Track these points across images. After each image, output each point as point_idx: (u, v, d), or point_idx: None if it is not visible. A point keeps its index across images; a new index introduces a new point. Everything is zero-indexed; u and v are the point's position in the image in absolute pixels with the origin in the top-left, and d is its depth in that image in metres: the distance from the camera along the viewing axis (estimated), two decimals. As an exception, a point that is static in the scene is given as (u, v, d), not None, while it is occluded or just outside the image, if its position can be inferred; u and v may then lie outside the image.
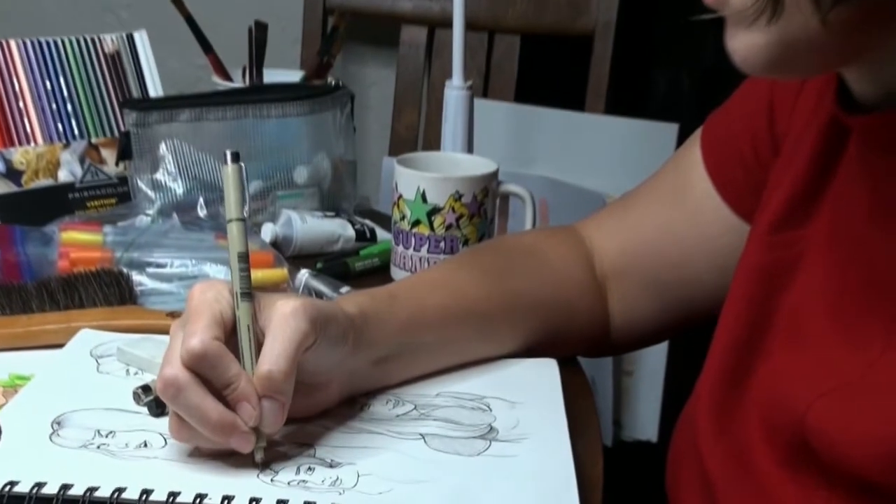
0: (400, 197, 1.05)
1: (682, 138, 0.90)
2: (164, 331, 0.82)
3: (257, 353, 0.65)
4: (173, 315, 0.87)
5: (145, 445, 0.67)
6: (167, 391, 0.62)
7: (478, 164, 1.08)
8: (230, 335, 0.65)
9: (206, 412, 0.62)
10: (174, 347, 0.64)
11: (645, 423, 1.86)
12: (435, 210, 1.03)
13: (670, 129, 1.66)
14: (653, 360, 1.77)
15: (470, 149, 1.20)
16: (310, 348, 0.66)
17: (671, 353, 1.74)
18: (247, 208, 0.68)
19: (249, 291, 0.66)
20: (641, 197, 0.91)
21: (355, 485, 0.64)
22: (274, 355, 0.64)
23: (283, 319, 0.64)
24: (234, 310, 0.65)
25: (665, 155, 0.91)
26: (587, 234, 0.92)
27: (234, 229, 0.67)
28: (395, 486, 0.64)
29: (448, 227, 1.04)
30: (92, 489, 0.60)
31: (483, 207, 1.05)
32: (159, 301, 0.95)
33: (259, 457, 0.65)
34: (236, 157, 0.68)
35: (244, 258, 0.67)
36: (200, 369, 0.63)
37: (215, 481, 0.63)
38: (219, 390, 0.64)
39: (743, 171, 0.81)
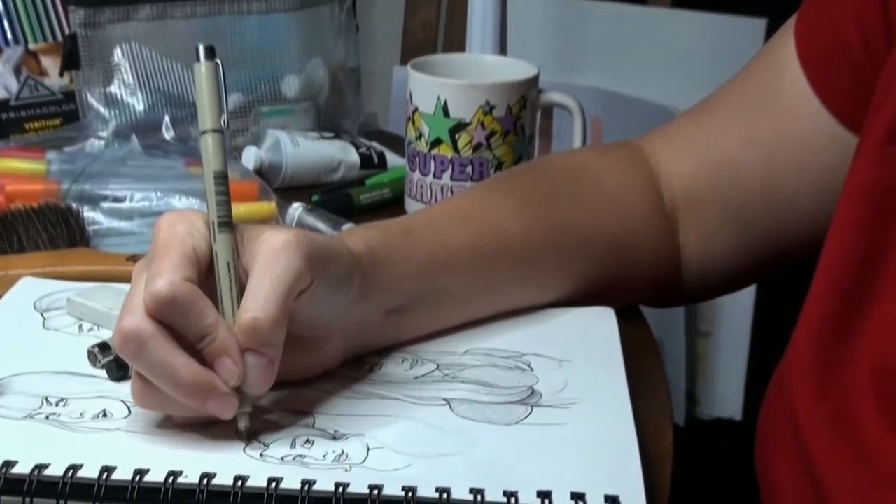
0: (416, 111, 1.05)
1: (770, 37, 0.90)
2: (124, 278, 0.83)
3: (240, 298, 0.65)
4: (134, 259, 0.88)
5: (104, 415, 0.68)
6: (127, 346, 0.63)
7: (513, 69, 1.08)
8: (206, 276, 0.66)
9: (176, 371, 0.63)
10: (136, 292, 0.64)
11: (726, 397, 1.87)
12: (460, 126, 1.04)
13: (756, 26, 1.66)
14: (736, 316, 1.78)
15: (503, 50, 1.20)
16: (304, 292, 0.66)
17: (759, 305, 1.74)
18: (225, 117, 0.68)
19: (229, 220, 0.66)
20: (720, 105, 0.90)
21: (364, 460, 0.64)
22: (259, 299, 0.64)
23: (272, 255, 0.65)
24: (210, 245, 0.66)
25: (749, 57, 0.91)
26: (652, 151, 0.93)
27: (209, 143, 0.67)
28: (414, 461, 0.64)
29: (476, 148, 1.04)
30: (40, 467, 0.61)
31: (520, 122, 1.05)
32: (117, 243, 0.96)
33: (243, 424, 0.65)
34: (211, 53, 0.68)
35: (222, 178, 0.67)
36: (168, 318, 0.63)
37: (191, 457, 0.64)
38: (192, 344, 0.64)
39: (849, 68, 0.81)
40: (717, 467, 1.62)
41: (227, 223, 0.66)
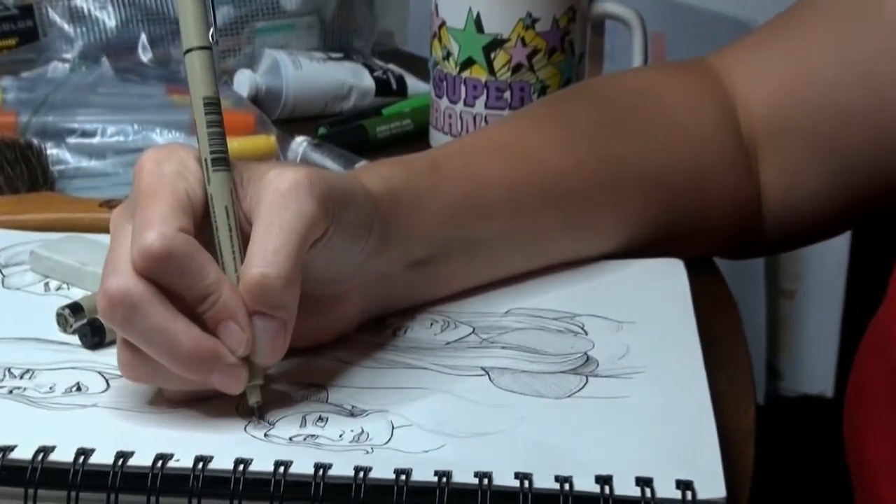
0: (442, 26, 1.05)
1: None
2: (97, 227, 0.84)
3: (243, 250, 0.65)
4: (109, 205, 0.89)
5: (78, 389, 0.69)
6: (116, 312, 0.63)
7: (559, -27, 1.08)
8: (201, 225, 0.66)
9: (174, 339, 0.63)
10: (120, 247, 0.64)
11: (815, 370, 1.87)
12: (496, 43, 1.04)
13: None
14: (826, 271, 1.78)
15: (546, -49, 1.20)
16: (318, 242, 0.66)
17: (854, 257, 1.74)
18: (213, 31, 0.68)
19: (225, 156, 0.66)
20: (807, 15, 0.90)
21: (388, 440, 0.65)
22: (268, 252, 0.64)
23: (279, 199, 0.65)
24: (205, 187, 0.66)
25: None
26: (726, 71, 0.92)
27: (195, 63, 0.68)
28: (448, 441, 0.65)
29: (516, 69, 1.04)
30: (5, 449, 0.61)
31: (568, 38, 1.05)
32: (87, 185, 0.97)
33: (254, 399, 0.66)
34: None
35: (214, 105, 0.67)
36: (162, 277, 0.63)
37: (183, 437, 0.64)
38: (190, 307, 0.64)
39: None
40: (805, 453, 1.62)
41: (224, 159, 0.66)
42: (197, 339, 0.63)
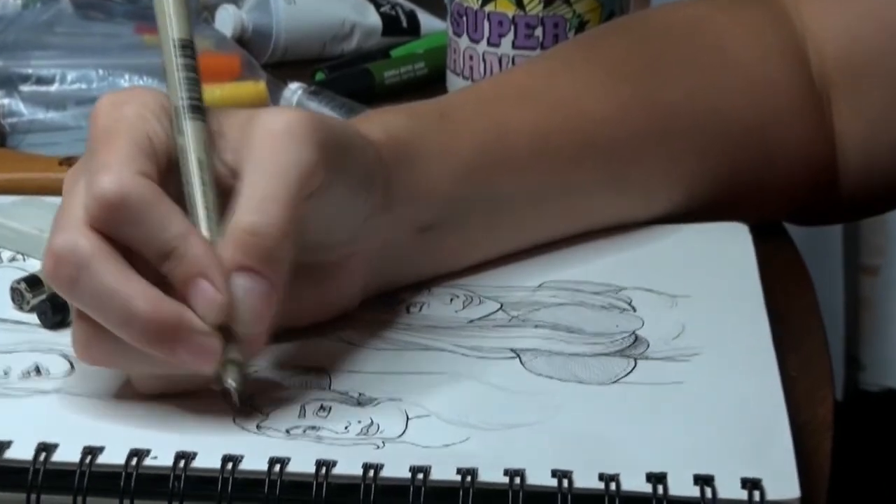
0: (460, -50, 1.06)
1: None
2: (57, 189, 0.84)
3: (219, 206, 0.65)
4: (70, 162, 0.89)
5: (37, 372, 0.69)
6: (60, 271, 0.62)
7: None
8: (166, 177, 0.65)
9: (129, 302, 0.62)
10: (71, 203, 0.64)
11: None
12: (524, -29, 1.04)
13: None
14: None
15: None
16: (313, 195, 0.66)
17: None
18: None
19: (200, 103, 0.67)
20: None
21: (403, 433, 0.65)
22: (259, 199, 0.64)
23: (272, 141, 0.65)
24: (169, 131, 0.66)
25: None
26: (794, 5, 0.93)
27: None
28: (473, 433, 0.65)
29: (549, 2, 1.04)
30: (-47, 446, 0.62)
31: (609, -35, 1.05)
32: (45, 141, 0.97)
33: (231, 378, 0.65)
34: None
35: (187, 48, 0.68)
36: (118, 229, 0.63)
37: (162, 430, 0.64)
38: (153, 266, 0.64)
39: None
40: (890, 453, 1.62)
41: (199, 108, 0.67)
42: (156, 302, 0.62)
